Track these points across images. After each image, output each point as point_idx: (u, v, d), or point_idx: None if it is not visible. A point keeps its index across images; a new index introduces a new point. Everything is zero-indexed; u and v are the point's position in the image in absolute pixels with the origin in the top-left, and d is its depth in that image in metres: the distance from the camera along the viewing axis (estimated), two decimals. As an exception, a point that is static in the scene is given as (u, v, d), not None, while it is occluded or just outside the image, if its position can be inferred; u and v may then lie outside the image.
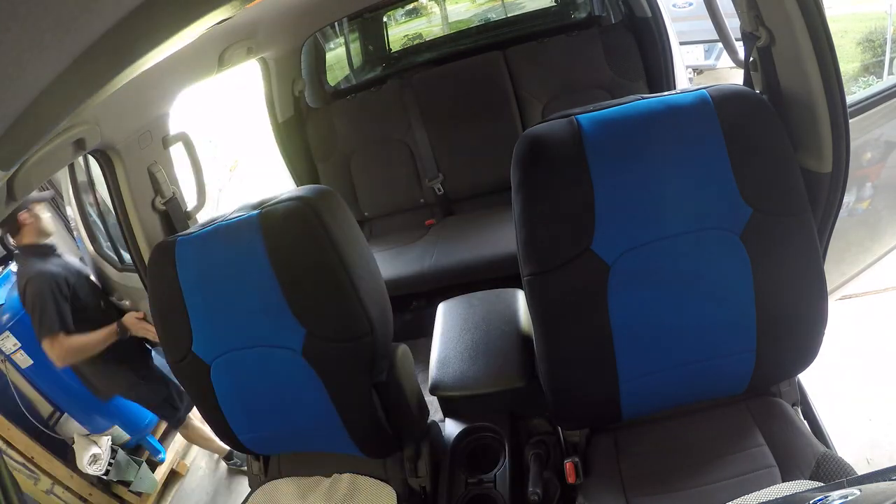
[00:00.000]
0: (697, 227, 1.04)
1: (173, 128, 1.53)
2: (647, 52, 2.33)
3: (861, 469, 0.91)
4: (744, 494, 0.96)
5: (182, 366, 1.26)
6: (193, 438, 2.61)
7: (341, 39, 3.04)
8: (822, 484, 0.96)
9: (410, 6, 4.64)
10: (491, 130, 2.33)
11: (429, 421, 1.41)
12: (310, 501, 1.34)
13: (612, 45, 2.36)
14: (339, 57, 3.07)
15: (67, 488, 2.42)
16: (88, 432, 2.57)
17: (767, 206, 1.03)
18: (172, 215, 1.52)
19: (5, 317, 2.33)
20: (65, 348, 2.00)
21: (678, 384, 1.15)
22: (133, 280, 1.99)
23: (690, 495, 1.08)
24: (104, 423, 2.59)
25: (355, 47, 3.13)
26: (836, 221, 1.23)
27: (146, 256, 1.41)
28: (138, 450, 2.77)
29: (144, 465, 2.67)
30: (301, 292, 1.15)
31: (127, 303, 2.15)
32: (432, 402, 1.47)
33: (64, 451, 2.55)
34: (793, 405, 1.20)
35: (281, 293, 1.14)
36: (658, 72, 2.30)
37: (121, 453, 2.60)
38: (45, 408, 2.63)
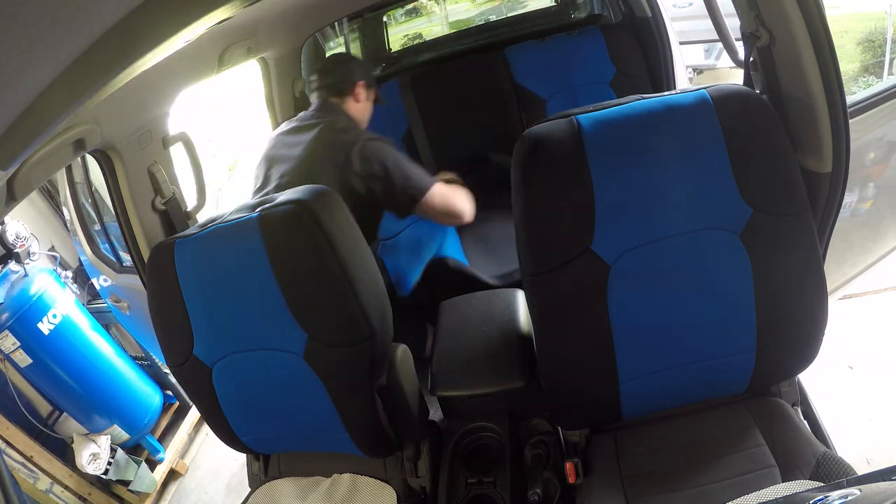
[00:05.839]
0: (697, 227, 1.04)
1: (173, 128, 1.53)
2: (647, 51, 2.32)
3: (861, 469, 0.91)
4: (744, 494, 0.96)
5: (183, 369, 1.26)
6: None
7: (341, 39, 3.03)
8: (822, 484, 0.96)
9: (410, 6, 4.64)
10: (491, 130, 2.33)
11: (429, 421, 1.41)
12: (310, 501, 1.34)
13: (613, 43, 2.36)
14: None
15: (66, 487, 2.42)
16: (87, 431, 2.57)
17: (767, 205, 1.02)
18: (172, 215, 1.52)
19: (4, 315, 2.32)
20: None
21: (678, 384, 1.15)
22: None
23: (690, 495, 1.08)
24: (103, 422, 2.59)
25: (355, 47, 3.12)
26: (837, 221, 1.23)
27: (146, 257, 1.41)
28: (137, 449, 2.77)
29: (143, 465, 2.67)
30: (301, 296, 1.14)
31: (125, 304, 2.15)
32: (432, 402, 1.47)
33: (63, 451, 2.55)
34: (793, 405, 1.20)
35: (282, 297, 1.14)
36: (658, 72, 2.30)
37: (120, 452, 2.60)
38: (44, 407, 2.63)
